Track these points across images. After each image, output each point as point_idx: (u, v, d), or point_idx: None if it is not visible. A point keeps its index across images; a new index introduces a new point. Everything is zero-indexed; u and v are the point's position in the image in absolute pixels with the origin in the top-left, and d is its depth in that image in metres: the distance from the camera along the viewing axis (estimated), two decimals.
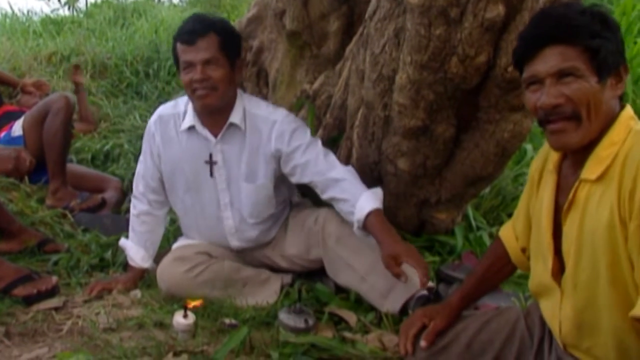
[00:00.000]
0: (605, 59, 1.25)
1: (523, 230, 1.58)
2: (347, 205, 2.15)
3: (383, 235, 2.07)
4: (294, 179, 2.29)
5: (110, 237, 2.67)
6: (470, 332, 1.60)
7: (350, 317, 2.14)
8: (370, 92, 2.20)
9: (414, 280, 2.01)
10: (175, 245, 2.43)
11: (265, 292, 2.27)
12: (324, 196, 2.24)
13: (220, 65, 2.13)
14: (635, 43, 4.27)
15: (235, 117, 2.22)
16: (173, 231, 2.73)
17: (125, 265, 2.47)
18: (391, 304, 2.12)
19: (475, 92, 2.05)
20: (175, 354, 1.87)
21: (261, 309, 2.16)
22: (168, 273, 2.24)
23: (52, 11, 8.39)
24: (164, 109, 2.36)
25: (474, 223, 2.69)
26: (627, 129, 1.26)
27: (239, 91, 2.28)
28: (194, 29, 2.12)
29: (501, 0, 1.81)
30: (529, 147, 3.32)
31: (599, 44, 1.24)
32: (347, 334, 2.03)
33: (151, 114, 4.20)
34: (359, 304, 2.22)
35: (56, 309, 2.13)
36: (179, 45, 2.16)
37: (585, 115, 1.25)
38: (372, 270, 2.16)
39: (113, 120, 4.31)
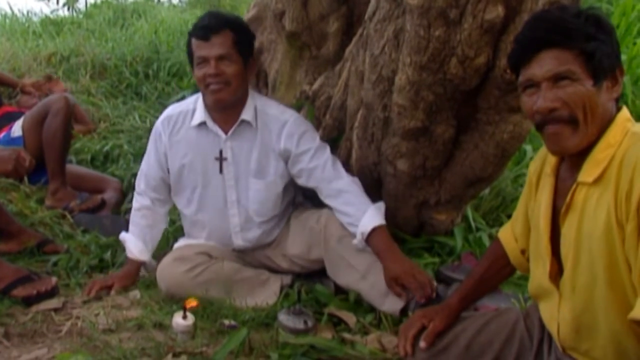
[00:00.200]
0: (601, 61, 1.25)
1: (522, 232, 1.58)
2: (350, 219, 2.20)
3: (386, 254, 2.14)
4: (300, 182, 2.33)
5: (109, 237, 2.67)
6: (470, 333, 1.60)
7: (350, 318, 2.14)
8: (369, 93, 2.20)
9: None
10: (176, 246, 2.43)
11: (264, 293, 2.27)
12: (327, 203, 2.28)
13: (234, 62, 2.17)
14: (634, 44, 4.27)
15: (247, 114, 2.25)
16: (173, 232, 2.74)
17: None
18: (391, 304, 2.13)
19: (474, 94, 2.05)
20: (175, 355, 1.87)
21: (260, 310, 2.16)
22: (168, 273, 2.24)
23: (51, 12, 8.40)
24: (171, 108, 2.38)
25: (473, 224, 2.69)
26: (623, 131, 1.26)
27: (250, 90, 2.31)
28: (210, 25, 2.16)
29: (500, 1, 1.81)
30: (528, 148, 3.32)
31: (594, 47, 1.24)
32: (347, 335, 2.03)
33: (151, 114, 4.23)
34: (359, 305, 2.22)
35: (55, 309, 2.13)
36: (193, 41, 2.19)
37: (582, 118, 1.25)
38: (373, 270, 2.17)
39: (112, 121, 4.30)
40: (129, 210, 2.60)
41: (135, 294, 2.27)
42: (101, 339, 1.94)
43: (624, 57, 3.83)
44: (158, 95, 4.87)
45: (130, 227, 2.43)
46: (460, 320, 1.65)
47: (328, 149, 2.32)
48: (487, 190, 2.83)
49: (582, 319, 1.31)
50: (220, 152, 2.28)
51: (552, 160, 1.40)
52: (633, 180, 1.16)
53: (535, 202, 1.47)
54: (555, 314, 1.37)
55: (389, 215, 2.25)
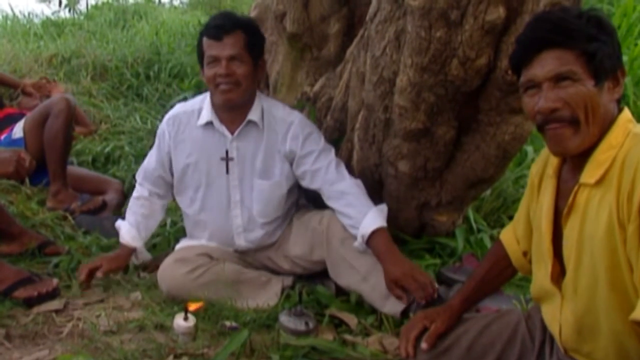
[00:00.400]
0: (602, 62, 1.25)
1: (524, 234, 1.58)
2: (351, 221, 2.20)
3: (385, 257, 2.13)
4: (304, 183, 2.34)
5: (110, 239, 2.67)
6: (471, 335, 1.60)
7: (351, 319, 2.14)
8: (370, 94, 2.20)
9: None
10: (177, 247, 2.44)
11: (265, 295, 2.27)
12: (330, 205, 2.28)
13: (245, 63, 2.18)
14: (636, 45, 4.27)
15: (254, 114, 2.26)
16: (174, 233, 2.74)
17: (126, 269, 2.47)
18: (392, 306, 2.13)
19: (475, 95, 2.05)
20: (176, 357, 1.87)
21: (262, 312, 2.16)
22: (169, 274, 2.24)
23: (52, 13, 8.43)
24: (177, 108, 2.39)
25: (474, 225, 2.69)
26: (625, 132, 1.26)
27: (258, 91, 2.32)
28: (222, 25, 2.17)
29: (502, 2, 1.81)
30: (529, 149, 3.32)
31: (596, 48, 1.24)
32: (348, 337, 2.03)
33: (152, 116, 4.24)
34: (360, 306, 2.22)
35: (57, 311, 2.13)
36: (205, 40, 2.20)
37: (583, 119, 1.25)
38: (374, 271, 2.17)
39: (113, 122, 4.31)
40: None
41: (137, 295, 2.27)
42: (102, 341, 1.94)
43: (625, 58, 3.83)
44: (159, 96, 4.88)
45: (127, 214, 2.46)
46: (461, 322, 1.65)
47: (332, 151, 2.33)
48: (488, 192, 2.83)
49: (584, 320, 1.31)
50: (227, 152, 2.28)
51: (554, 161, 1.40)
52: (635, 181, 1.16)
53: (537, 203, 1.46)
54: (557, 316, 1.37)
55: (390, 216, 2.25)
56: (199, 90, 4.47)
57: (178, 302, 2.17)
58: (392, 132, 2.21)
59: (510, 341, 1.56)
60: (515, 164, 3.22)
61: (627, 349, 1.25)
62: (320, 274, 2.35)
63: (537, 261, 1.46)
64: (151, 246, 2.67)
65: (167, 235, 2.76)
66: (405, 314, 2.11)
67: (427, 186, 2.34)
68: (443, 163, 2.26)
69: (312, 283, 2.35)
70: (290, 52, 2.79)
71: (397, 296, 2.10)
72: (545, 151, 1.48)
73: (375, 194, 2.37)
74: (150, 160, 2.43)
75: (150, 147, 2.50)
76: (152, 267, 2.52)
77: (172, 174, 2.39)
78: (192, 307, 2.04)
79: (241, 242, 2.37)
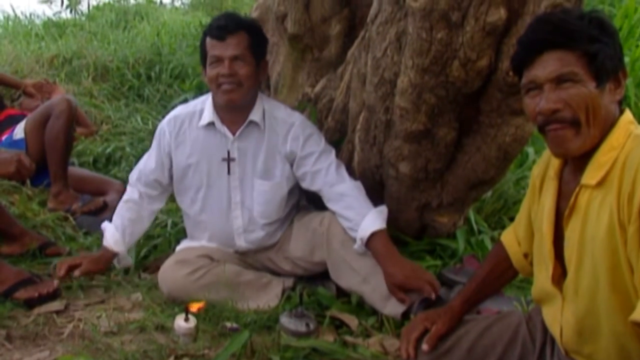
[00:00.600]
0: (604, 63, 1.25)
1: (525, 235, 1.58)
2: (350, 223, 2.20)
3: (385, 260, 2.14)
4: (304, 185, 2.34)
5: None
6: (472, 337, 1.59)
7: (352, 321, 2.13)
8: (371, 95, 2.20)
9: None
10: (178, 248, 2.44)
11: (266, 296, 2.27)
12: (329, 206, 2.28)
13: (248, 63, 2.18)
14: (637, 46, 4.27)
15: (255, 115, 2.26)
16: (175, 234, 2.74)
17: (127, 270, 2.47)
18: (393, 308, 2.13)
19: (476, 96, 2.05)
20: (177, 358, 1.87)
21: (262, 313, 2.16)
22: (169, 276, 2.24)
23: (54, 14, 8.43)
24: (178, 110, 2.39)
25: (475, 227, 2.68)
26: (626, 133, 1.26)
27: (259, 92, 2.33)
28: (226, 26, 2.17)
29: (503, 4, 1.81)
30: (530, 150, 3.32)
31: (597, 49, 1.24)
32: (349, 338, 2.03)
33: (153, 116, 4.24)
34: (361, 307, 2.22)
35: (57, 312, 2.13)
36: (208, 40, 2.20)
37: (584, 120, 1.25)
38: (375, 273, 2.17)
39: (115, 123, 4.31)
40: None
41: (137, 296, 2.27)
42: (103, 342, 1.94)
43: (626, 60, 3.83)
44: (160, 97, 4.88)
45: (114, 217, 2.42)
46: (462, 323, 1.65)
47: (333, 152, 2.33)
48: (489, 193, 2.83)
49: (585, 322, 1.31)
50: (228, 153, 2.28)
51: (555, 163, 1.40)
52: (635, 183, 1.16)
53: (539, 205, 1.46)
54: (558, 317, 1.37)
55: (391, 217, 2.25)
56: (200, 91, 4.47)
57: (179, 303, 2.17)
58: (393, 133, 2.21)
59: (511, 343, 1.56)
60: (516, 165, 3.22)
61: (628, 350, 1.25)
62: (321, 275, 2.35)
63: (538, 263, 1.46)
64: (152, 247, 2.67)
65: (167, 236, 2.75)
66: (406, 315, 2.10)
67: (428, 187, 2.34)
68: (444, 164, 2.26)
69: (312, 284, 2.35)
70: (291, 53, 2.79)
71: (399, 299, 2.10)
72: (547, 153, 1.48)
73: (376, 195, 2.37)
74: (149, 161, 2.40)
75: None
76: (153, 268, 2.52)
77: (171, 175, 2.38)
78: (194, 307, 2.04)
79: (241, 243, 2.37)
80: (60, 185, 3.09)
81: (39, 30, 6.61)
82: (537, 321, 1.54)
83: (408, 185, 2.32)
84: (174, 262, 2.27)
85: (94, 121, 4.30)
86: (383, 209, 2.23)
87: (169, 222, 2.83)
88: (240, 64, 2.17)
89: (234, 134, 2.28)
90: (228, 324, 2.06)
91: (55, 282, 2.24)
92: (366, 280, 2.19)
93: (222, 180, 2.31)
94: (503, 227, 2.64)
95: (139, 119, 4.37)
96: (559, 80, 1.26)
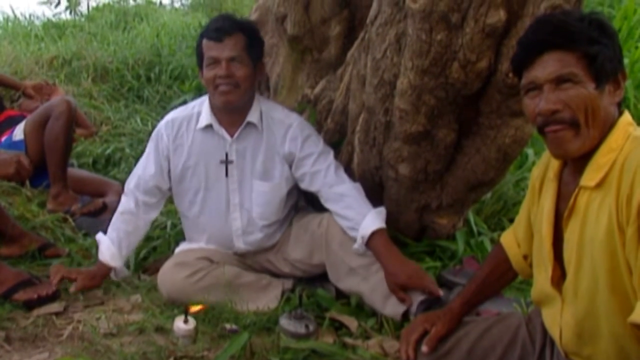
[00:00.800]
0: (603, 65, 1.25)
1: (524, 237, 1.58)
2: (350, 222, 2.20)
3: (387, 258, 2.14)
4: (303, 185, 2.34)
5: None
6: (472, 338, 1.59)
7: (351, 322, 2.13)
8: (371, 97, 2.20)
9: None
10: (177, 250, 2.43)
11: (266, 298, 2.27)
12: (328, 207, 2.28)
13: (245, 65, 2.18)
14: (636, 47, 4.26)
15: (252, 116, 2.26)
16: (174, 235, 2.74)
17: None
18: (393, 307, 2.13)
19: (476, 98, 2.05)
20: (176, 359, 1.87)
21: (262, 315, 2.16)
22: (169, 279, 2.24)
23: (53, 15, 8.42)
24: (175, 113, 2.38)
25: (475, 228, 2.68)
26: (625, 135, 1.26)
27: (256, 94, 2.33)
28: (223, 27, 2.17)
29: (502, 5, 1.81)
30: (530, 151, 3.32)
31: (597, 51, 1.24)
32: (348, 340, 2.03)
33: (152, 118, 4.23)
34: (360, 309, 2.22)
35: (57, 313, 2.12)
36: (205, 42, 2.20)
37: (584, 121, 1.25)
38: (374, 273, 2.18)
39: (114, 124, 4.31)
40: None
41: (137, 297, 2.27)
42: (102, 343, 1.94)
43: (625, 61, 3.82)
44: (160, 98, 4.88)
45: (109, 229, 2.37)
46: (462, 325, 1.65)
47: (331, 153, 2.33)
48: (488, 195, 2.83)
49: (584, 323, 1.30)
50: (226, 155, 2.28)
51: (555, 165, 1.40)
52: (634, 185, 1.16)
53: (538, 207, 1.46)
54: (558, 319, 1.37)
55: (390, 219, 2.25)
56: (199, 92, 4.47)
57: (178, 305, 2.17)
58: (393, 134, 2.21)
59: (511, 344, 1.56)
60: (516, 166, 3.22)
61: (628, 352, 1.25)
62: (320, 277, 2.35)
63: (538, 264, 1.46)
64: (151, 249, 2.67)
65: (167, 237, 2.75)
66: (405, 316, 2.11)
67: (427, 189, 2.34)
68: (443, 166, 2.26)
69: (312, 286, 2.35)
70: (291, 55, 2.79)
71: (400, 298, 2.10)
72: (546, 154, 1.48)
73: (376, 196, 2.37)
74: (148, 167, 2.36)
75: None
76: (152, 269, 2.52)
77: (169, 178, 2.37)
78: (194, 309, 2.04)
79: (240, 244, 2.37)
80: (60, 187, 3.08)
81: (39, 31, 6.60)
82: (536, 323, 1.54)
83: (407, 186, 2.32)
84: (173, 265, 2.27)
85: (93, 122, 4.30)
86: (382, 210, 2.24)
87: (168, 223, 2.83)
88: (237, 66, 2.17)
89: (231, 135, 2.28)
90: (227, 326, 2.06)
91: (55, 284, 2.23)
92: (365, 280, 2.19)
93: (221, 182, 2.31)
94: (503, 229, 2.64)
95: (138, 120, 4.37)
96: (559, 81, 1.26)
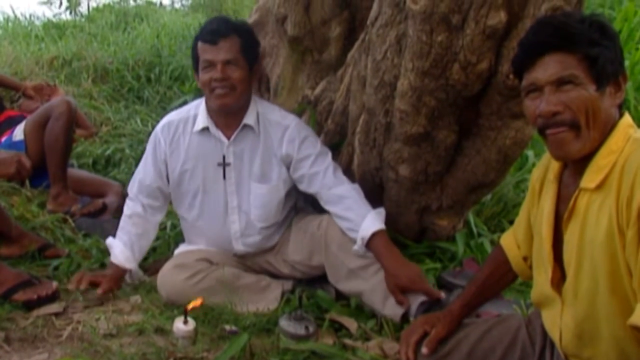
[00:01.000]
0: (604, 67, 1.25)
1: (524, 239, 1.58)
2: (350, 224, 2.20)
3: (387, 260, 2.14)
4: (301, 187, 2.33)
5: None
6: (472, 340, 1.59)
7: (351, 324, 2.13)
8: (371, 98, 2.20)
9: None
10: (176, 252, 2.43)
11: (265, 299, 2.26)
12: (327, 208, 2.28)
13: (240, 67, 2.18)
14: (637, 49, 4.27)
15: (249, 118, 2.26)
16: (174, 236, 2.74)
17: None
18: (393, 308, 2.13)
19: (476, 99, 2.05)
20: None
21: (262, 316, 2.16)
22: (168, 280, 2.23)
23: (54, 15, 8.43)
24: (171, 115, 2.38)
25: (475, 230, 2.68)
26: (625, 137, 1.26)
27: (253, 95, 2.32)
28: (218, 30, 2.17)
29: (503, 7, 1.81)
30: (530, 153, 3.32)
31: (598, 52, 1.24)
32: (348, 341, 2.03)
33: (152, 118, 4.23)
34: (360, 310, 2.22)
35: (56, 314, 2.12)
36: (200, 44, 2.19)
37: (584, 123, 1.25)
38: (374, 274, 2.18)
39: (114, 125, 4.31)
40: None
41: (137, 298, 2.27)
42: (102, 344, 1.93)
43: (626, 63, 3.82)
44: (160, 99, 4.88)
45: (119, 233, 2.38)
46: (462, 327, 1.65)
47: (329, 155, 2.32)
48: (489, 196, 2.83)
49: (584, 325, 1.30)
50: (224, 157, 2.28)
51: (555, 166, 1.40)
52: (634, 187, 1.16)
53: (538, 208, 1.46)
54: (558, 321, 1.37)
55: (390, 220, 2.25)
56: (199, 92, 4.44)
57: (178, 306, 2.16)
58: (393, 136, 2.20)
59: (511, 346, 1.55)
60: (516, 168, 3.22)
61: (628, 354, 1.25)
62: (320, 278, 2.35)
63: (538, 266, 1.46)
64: (151, 249, 2.66)
65: (167, 238, 2.75)
66: (405, 318, 2.11)
67: (427, 190, 2.34)
68: (444, 167, 2.26)
69: (312, 287, 2.35)
70: (291, 56, 2.79)
71: (398, 301, 2.10)
72: (546, 156, 1.48)
73: (376, 198, 2.37)
74: (147, 171, 2.37)
75: None
76: (152, 270, 2.51)
77: (168, 182, 2.37)
78: (193, 304, 2.03)
79: (239, 247, 2.37)
80: (60, 187, 3.08)
81: (39, 31, 6.60)
82: (536, 325, 1.54)
83: (408, 188, 2.32)
84: (173, 266, 2.27)
85: (93, 123, 4.30)
86: (381, 211, 2.24)
87: (168, 224, 2.83)
88: (232, 68, 2.16)
89: (228, 138, 2.27)
90: (227, 327, 2.06)
91: (54, 284, 2.23)
92: (365, 281, 2.19)
93: (218, 185, 2.31)
94: (503, 230, 2.64)
95: (138, 120, 4.37)
96: (560, 83, 1.26)
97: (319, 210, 2.36)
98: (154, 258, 2.62)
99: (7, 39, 6.06)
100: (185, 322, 1.97)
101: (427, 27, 1.86)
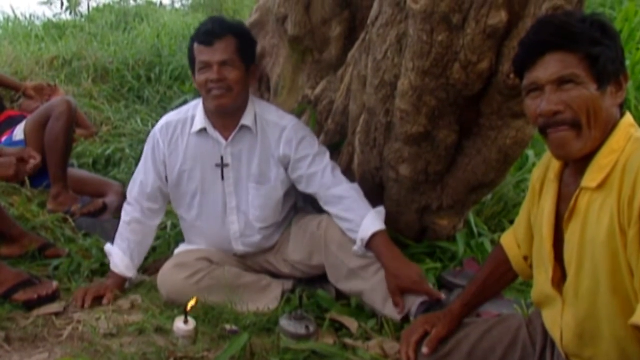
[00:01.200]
0: (605, 66, 1.25)
1: (525, 238, 1.58)
2: (351, 224, 2.19)
3: (389, 260, 2.13)
4: (300, 188, 2.33)
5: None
6: (472, 340, 1.59)
7: (352, 323, 2.13)
8: (372, 98, 2.20)
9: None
10: (176, 251, 2.43)
11: (266, 298, 2.26)
12: (327, 209, 2.27)
13: (237, 68, 2.17)
14: (638, 49, 4.27)
15: (247, 119, 2.25)
16: (174, 236, 2.73)
17: None
18: (393, 309, 2.12)
19: (477, 99, 2.05)
20: None
21: (262, 315, 2.16)
22: (169, 280, 2.23)
23: (54, 15, 8.43)
24: (169, 116, 2.37)
25: (475, 229, 2.68)
26: (627, 136, 1.26)
27: (251, 95, 2.31)
28: (213, 30, 2.16)
29: (504, 6, 1.81)
30: (530, 153, 3.32)
31: (599, 52, 1.24)
32: (348, 341, 2.03)
33: (153, 118, 4.23)
34: (360, 310, 2.22)
35: (56, 314, 2.12)
36: (196, 46, 2.19)
37: (585, 122, 1.25)
38: (374, 274, 2.17)
39: (114, 125, 4.31)
40: None
41: (137, 298, 2.27)
42: (102, 344, 1.93)
43: (627, 63, 3.83)
44: (160, 99, 4.88)
45: (118, 240, 2.37)
46: (462, 327, 1.65)
47: (327, 155, 2.31)
48: (489, 196, 2.83)
49: (585, 325, 1.30)
50: (222, 158, 2.27)
51: (556, 166, 1.40)
52: (635, 186, 1.16)
53: (539, 208, 1.46)
54: (559, 321, 1.37)
55: (391, 220, 2.24)
56: (199, 92, 4.46)
57: (178, 306, 2.16)
58: (394, 135, 2.20)
59: (511, 346, 1.55)
60: (517, 168, 3.22)
61: (629, 354, 1.25)
62: (320, 278, 2.35)
63: (538, 266, 1.46)
64: (151, 249, 2.66)
65: (167, 238, 2.75)
66: (405, 318, 2.10)
67: (428, 190, 2.34)
68: (444, 167, 2.26)
69: (312, 287, 2.35)
70: (292, 55, 2.79)
71: (395, 303, 2.10)
72: (547, 156, 1.48)
73: (376, 197, 2.37)
74: (148, 173, 2.35)
75: None
76: (152, 270, 2.51)
77: (167, 182, 2.36)
78: (191, 304, 2.03)
79: (239, 247, 2.37)
80: (60, 187, 3.08)
81: (39, 31, 6.60)
82: (537, 324, 1.54)
83: (408, 187, 2.32)
84: (173, 266, 2.27)
85: (93, 123, 4.30)
86: (381, 210, 2.23)
87: (169, 224, 2.83)
88: (229, 69, 2.15)
89: (226, 139, 2.26)
90: (227, 327, 2.06)
91: (55, 284, 2.23)
92: (365, 281, 2.18)
93: (217, 185, 2.30)
94: (503, 230, 2.64)
95: (138, 120, 4.37)
96: (561, 82, 1.26)
97: (319, 209, 2.35)
98: (154, 258, 2.62)
99: (7, 39, 6.07)
100: (186, 321, 1.97)
101: (427, 27, 1.85)
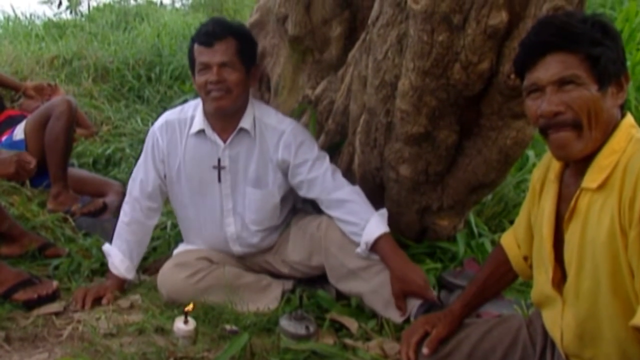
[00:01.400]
0: (606, 67, 1.25)
1: (525, 238, 1.58)
2: (355, 228, 2.18)
3: (395, 263, 2.13)
4: (301, 193, 2.31)
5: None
6: (473, 340, 1.59)
7: (352, 323, 2.13)
8: (372, 98, 2.20)
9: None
10: (176, 251, 2.42)
11: (266, 298, 2.26)
12: (329, 213, 2.26)
13: (236, 69, 2.15)
14: (638, 50, 4.27)
15: (245, 122, 2.23)
16: (174, 236, 2.73)
17: None
18: (394, 310, 2.12)
19: (477, 99, 2.05)
20: None
21: (262, 315, 2.16)
22: (169, 280, 2.23)
23: (54, 15, 8.43)
24: (169, 114, 2.36)
25: (475, 230, 2.68)
26: (628, 137, 1.26)
27: (251, 98, 2.29)
28: (213, 32, 2.14)
29: (504, 7, 1.81)
30: (531, 153, 3.31)
31: (600, 52, 1.24)
32: (349, 341, 2.02)
33: (153, 118, 4.23)
34: (361, 310, 2.22)
35: (56, 313, 2.12)
36: (196, 47, 2.17)
37: (586, 123, 1.25)
38: (375, 275, 2.17)
39: (115, 124, 4.31)
40: None
41: (137, 298, 2.26)
42: (102, 344, 1.93)
43: (627, 63, 3.83)
44: (160, 98, 4.88)
45: (116, 241, 2.35)
46: (463, 327, 1.65)
47: (327, 158, 2.29)
48: (489, 196, 2.83)
49: (585, 325, 1.30)
50: (219, 160, 2.27)
51: (556, 166, 1.40)
52: (636, 187, 1.16)
53: (539, 208, 1.46)
54: (559, 321, 1.37)
55: (391, 220, 2.24)
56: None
57: (178, 305, 2.16)
58: (394, 136, 2.20)
59: (512, 346, 1.55)
60: (517, 168, 3.22)
61: (630, 355, 1.25)
62: (320, 278, 2.34)
63: (538, 266, 1.46)
64: (151, 249, 2.66)
65: (167, 237, 2.75)
66: (406, 318, 2.10)
67: (428, 190, 2.34)
68: (444, 167, 2.26)
69: (312, 287, 2.35)
70: (292, 55, 2.79)
71: (398, 306, 2.11)
72: (547, 156, 1.48)
73: (377, 198, 2.37)
74: (148, 171, 2.34)
75: None
76: (152, 269, 2.51)
77: (166, 181, 2.36)
78: (188, 308, 2.03)
79: (237, 248, 2.36)
80: (60, 187, 3.08)
81: (39, 31, 6.60)
82: (537, 325, 1.54)
83: (408, 188, 2.32)
84: (173, 265, 2.26)
85: (94, 122, 4.30)
86: (384, 212, 2.22)
87: (169, 223, 2.83)
88: (228, 71, 2.14)
89: (224, 141, 2.25)
90: (227, 327, 2.06)
91: (55, 284, 2.23)
92: (366, 282, 2.18)
93: (214, 187, 2.29)
94: (503, 230, 2.63)
95: (139, 120, 4.37)
96: (561, 83, 1.26)
97: (318, 210, 2.35)
98: (154, 258, 2.62)
99: (7, 38, 6.07)
100: (186, 321, 1.97)
101: (428, 27, 1.85)
